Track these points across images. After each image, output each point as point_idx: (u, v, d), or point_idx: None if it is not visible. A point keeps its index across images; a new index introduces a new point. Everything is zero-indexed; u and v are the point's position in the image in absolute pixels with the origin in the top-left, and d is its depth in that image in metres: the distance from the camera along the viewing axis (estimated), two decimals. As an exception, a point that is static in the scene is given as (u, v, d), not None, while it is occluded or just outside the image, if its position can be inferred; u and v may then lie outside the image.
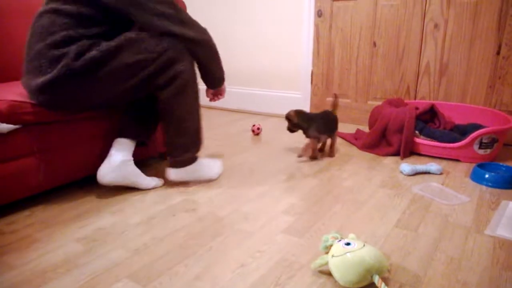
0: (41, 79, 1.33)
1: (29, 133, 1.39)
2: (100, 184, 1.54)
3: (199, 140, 1.64)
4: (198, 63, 1.60)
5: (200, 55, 1.56)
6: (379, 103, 2.67)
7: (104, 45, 1.37)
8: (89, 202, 1.52)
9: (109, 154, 1.55)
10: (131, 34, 1.42)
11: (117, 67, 1.39)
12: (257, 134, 2.59)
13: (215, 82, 1.73)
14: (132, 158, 1.59)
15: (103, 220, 1.37)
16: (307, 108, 3.01)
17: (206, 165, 1.71)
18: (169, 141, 1.59)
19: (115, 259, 1.13)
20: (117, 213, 1.43)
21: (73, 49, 1.33)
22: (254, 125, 2.54)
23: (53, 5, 1.36)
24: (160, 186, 1.67)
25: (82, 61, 1.33)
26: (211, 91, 1.81)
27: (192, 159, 1.65)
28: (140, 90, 1.49)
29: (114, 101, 1.51)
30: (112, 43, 1.39)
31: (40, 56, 1.33)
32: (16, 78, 1.85)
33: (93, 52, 1.35)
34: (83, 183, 1.72)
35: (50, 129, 1.46)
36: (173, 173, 1.64)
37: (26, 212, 1.43)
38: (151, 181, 1.64)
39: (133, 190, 1.63)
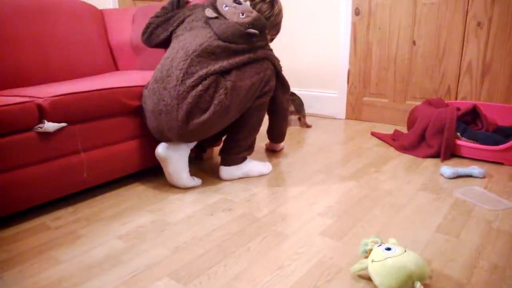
0: (202, 118, 1.50)
1: (74, 132, 1.44)
2: (156, 153, 1.60)
3: (254, 143, 1.84)
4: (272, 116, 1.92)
5: (280, 102, 1.85)
6: (418, 103, 2.61)
7: (233, 75, 1.55)
8: (130, 200, 1.57)
9: None
10: (242, 60, 1.58)
11: (243, 93, 1.57)
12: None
13: (279, 137, 2.03)
14: (188, 153, 1.66)
15: (144, 218, 1.41)
16: (343, 108, 2.98)
17: (255, 163, 1.83)
18: (236, 142, 1.72)
19: (156, 257, 1.16)
20: (156, 211, 1.46)
21: (218, 86, 1.51)
22: None
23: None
24: (198, 186, 1.70)
25: (228, 97, 1.52)
26: (268, 144, 2.18)
27: (245, 158, 1.79)
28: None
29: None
30: (234, 73, 1.56)
31: (191, 96, 1.48)
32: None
33: (228, 83, 1.53)
34: (125, 181, 1.77)
35: (95, 127, 1.51)
36: (226, 172, 1.75)
37: (71, 209, 1.49)
38: (191, 181, 1.67)
39: (172, 189, 1.67)
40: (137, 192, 1.64)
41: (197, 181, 1.70)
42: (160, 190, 1.66)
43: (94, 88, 1.49)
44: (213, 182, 1.74)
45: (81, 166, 1.47)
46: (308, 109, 3.17)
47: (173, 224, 1.37)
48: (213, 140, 1.91)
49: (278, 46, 3.23)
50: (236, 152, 1.73)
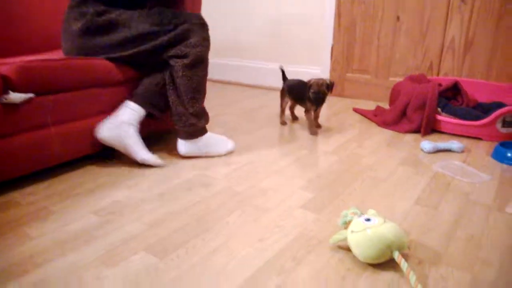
0: (74, 27, 1.55)
1: (43, 103, 1.38)
2: (97, 139, 1.54)
3: (206, 112, 1.70)
4: None
5: None
6: (401, 79, 2.60)
7: (124, 12, 1.55)
8: (106, 175, 1.53)
9: (115, 113, 1.56)
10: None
11: (133, 33, 1.54)
12: None
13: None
14: (136, 125, 1.58)
15: (119, 193, 1.38)
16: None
17: (217, 139, 1.74)
18: (182, 111, 1.61)
19: (132, 232, 1.14)
20: (133, 186, 1.43)
21: (92, 9, 1.53)
22: None
23: None
24: (177, 161, 1.67)
25: (102, 20, 1.52)
26: None
27: (203, 130, 1.68)
28: (154, 55, 1.59)
29: (128, 59, 1.61)
30: (131, 12, 1.55)
31: (72, 10, 1.57)
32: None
33: (112, 15, 1.53)
34: (100, 156, 1.72)
35: (65, 99, 1.45)
36: (183, 146, 1.67)
37: (44, 184, 1.44)
38: (147, 155, 1.58)
39: (150, 165, 1.63)
40: (113, 167, 1.60)
41: (155, 159, 1.60)
42: (137, 165, 1.61)
43: (64, 57, 1.43)
44: (192, 157, 1.71)
45: (52, 140, 1.42)
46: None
47: (150, 199, 1.34)
48: (156, 102, 1.66)
49: (262, 20, 3.17)
50: (190, 123, 1.63)
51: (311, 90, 1.96)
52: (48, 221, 1.19)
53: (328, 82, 1.95)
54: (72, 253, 1.03)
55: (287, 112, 2.31)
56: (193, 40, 1.58)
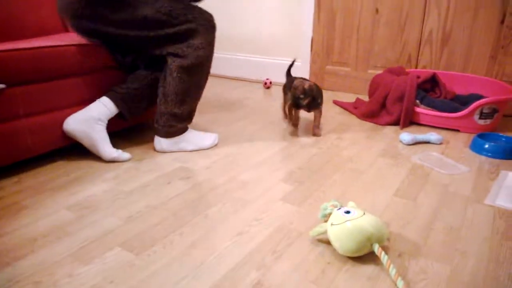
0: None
1: (14, 95, 1.32)
2: (63, 130, 1.48)
3: (193, 113, 1.67)
4: None
5: None
6: (380, 72, 2.61)
7: None
8: (81, 169, 1.48)
9: (87, 106, 1.51)
10: None
11: (137, 15, 1.44)
12: (268, 87, 2.91)
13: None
14: (105, 122, 1.53)
15: (95, 187, 1.33)
16: (306, 76, 2.94)
17: (197, 136, 1.69)
18: (166, 110, 1.56)
19: (107, 227, 1.10)
20: (110, 180, 1.39)
21: None
22: (267, 79, 2.88)
23: None
24: (155, 155, 1.63)
25: None
26: None
27: (183, 129, 1.65)
28: (153, 45, 1.52)
29: (127, 42, 1.53)
30: None
31: None
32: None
33: None
34: (77, 148, 1.67)
35: (37, 91, 1.39)
36: (163, 143, 1.62)
37: (14, 179, 1.39)
38: (113, 152, 1.53)
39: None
40: (89, 160, 1.55)
41: (121, 154, 1.54)
42: (114, 159, 1.57)
43: (37, 46, 1.37)
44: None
45: (24, 132, 1.36)
46: (271, 77, 3.11)
47: (127, 193, 1.30)
48: (131, 105, 1.62)
49: (241, 11, 3.12)
50: (172, 124, 1.59)
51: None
52: (19, 217, 1.14)
53: (305, 86, 1.76)
54: (43, 250, 0.99)
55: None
56: (196, 41, 1.51)
